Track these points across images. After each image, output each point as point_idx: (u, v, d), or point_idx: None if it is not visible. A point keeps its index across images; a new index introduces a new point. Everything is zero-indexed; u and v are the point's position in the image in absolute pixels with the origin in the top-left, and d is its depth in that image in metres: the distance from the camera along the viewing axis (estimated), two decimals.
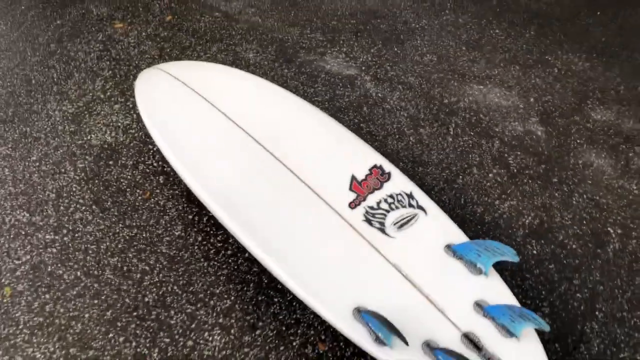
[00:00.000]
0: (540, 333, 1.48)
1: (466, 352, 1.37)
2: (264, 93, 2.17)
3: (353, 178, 1.76)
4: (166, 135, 1.92)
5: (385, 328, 1.34)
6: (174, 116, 2.01)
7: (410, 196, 1.71)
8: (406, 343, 1.31)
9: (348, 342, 1.58)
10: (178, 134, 1.94)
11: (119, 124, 2.27)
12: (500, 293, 1.50)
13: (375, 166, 1.80)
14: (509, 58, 2.74)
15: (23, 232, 1.85)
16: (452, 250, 1.58)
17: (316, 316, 1.64)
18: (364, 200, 1.70)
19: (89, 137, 2.20)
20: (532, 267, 1.79)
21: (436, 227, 1.65)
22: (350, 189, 1.73)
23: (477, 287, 1.51)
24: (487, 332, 1.42)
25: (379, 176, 1.77)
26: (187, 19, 2.95)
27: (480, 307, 1.46)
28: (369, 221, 1.64)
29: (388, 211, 1.67)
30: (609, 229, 1.90)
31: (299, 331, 1.60)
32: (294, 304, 1.67)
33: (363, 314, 1.40)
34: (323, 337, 1.59)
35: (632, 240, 1.86)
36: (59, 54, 2.62)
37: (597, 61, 2.73)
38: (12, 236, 1.83)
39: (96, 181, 2.03)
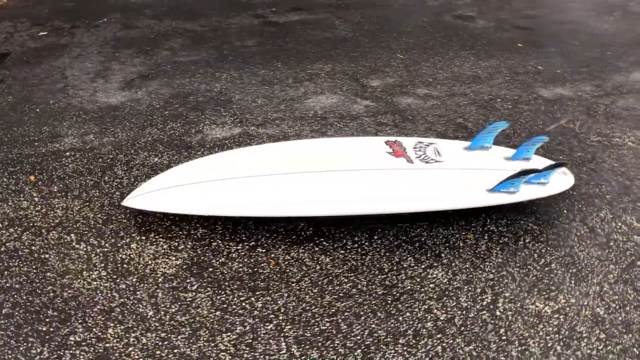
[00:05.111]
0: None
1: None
2: (241, 151, 2.64)
3: (387, 153, 2.54)
4: (239, 205, 2.26)
5: (514, 180, 2.30)
6: (211, 197, 2.30)
7: (420, 142, 2.63)
8: (539, 171, 2.31)
9: (475, 225, 2.44)
10: (238, 197, 2.28)
11: (162, 250, 2.22)
12: (504, 149, 2.65)
13: (386, 141, 2.62)
14: (295, 81, 3.77)
15: None
16: (469, 148, 2.62)
17: (443, 231, 2.40)
18: (408, 156, 2.52)
19: (161, 272, 2.12)
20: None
21: (449, 144, 2.65)
22: (396, 157, 2.51)
23: (497, 153, 2.61)
24: (522, 165, 2.55)
25: (394, 144, 2.61)
26: (48, 169, 2.76)
27: (507, 158, 2.58)
28: (426, 162, 2.49)
29: (424, 153, 2.55)
30: (460, 120, 3.28)
31: (451, 240, 2.35)
32: (427, 234, 2.39)
33: (494, 188, 2.32)
34: (464, 233, 2.41)
35: (469, 122, 3.29)
36: None
37: (329, 62, 4.08)
38: None
39: (227, 284, 2.08)
